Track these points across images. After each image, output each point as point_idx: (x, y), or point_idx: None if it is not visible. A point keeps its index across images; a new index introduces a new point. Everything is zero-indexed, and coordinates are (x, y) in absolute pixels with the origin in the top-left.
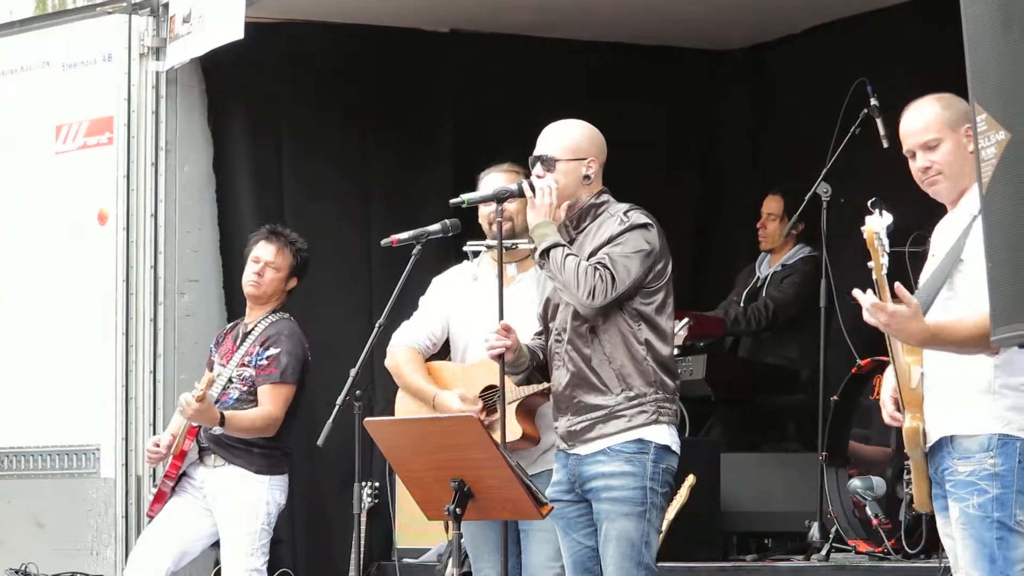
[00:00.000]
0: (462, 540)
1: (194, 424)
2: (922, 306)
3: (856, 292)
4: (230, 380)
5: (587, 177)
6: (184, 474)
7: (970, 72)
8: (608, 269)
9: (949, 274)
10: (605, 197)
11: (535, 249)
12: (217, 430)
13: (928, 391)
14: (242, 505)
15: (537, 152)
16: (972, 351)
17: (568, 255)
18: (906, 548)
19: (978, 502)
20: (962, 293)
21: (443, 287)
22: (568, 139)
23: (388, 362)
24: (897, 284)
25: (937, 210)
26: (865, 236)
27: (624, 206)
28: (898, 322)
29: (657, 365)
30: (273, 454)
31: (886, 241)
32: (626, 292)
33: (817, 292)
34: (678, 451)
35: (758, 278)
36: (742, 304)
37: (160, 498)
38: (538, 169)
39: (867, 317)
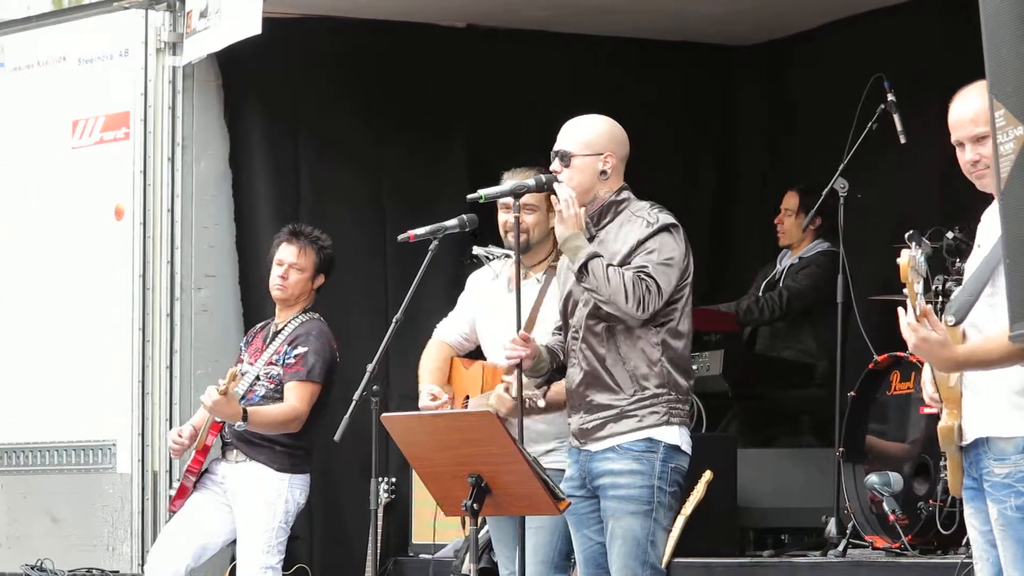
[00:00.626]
0: (482, 532)
1: (217, 419)
2: (963, 307)
3: (900, 310)
4: (257, 378)
5: (604, 172)
6: (206, 470)
7: (988, 67)
8: (653, 279)
9: (993, 270)
10: (626, 194)
11: (568, 260)
12: (240, 426)
13: (966, 389)
14: (261, 502)
15: (556, 147)
16: (1008, 365)
17: (609, 266)
18: (925, 543)
19: (1016, 504)
20: (1003, 291)
21: (473, 284)
22: (586, 134)
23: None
24: (927, 308)
25: (956, 206)
26: (901, 269)
27: (646, 205)
28: (929, 348)
29: (671, 366)
30: (296, 453)
31: (923, 269)
32: (664, 300)
33: (834, 285)
34: (689, 451)
35: (777, 271)
36: (760, 295)
37: (182, 493)
38: (556, 164)
39: (905, 334)
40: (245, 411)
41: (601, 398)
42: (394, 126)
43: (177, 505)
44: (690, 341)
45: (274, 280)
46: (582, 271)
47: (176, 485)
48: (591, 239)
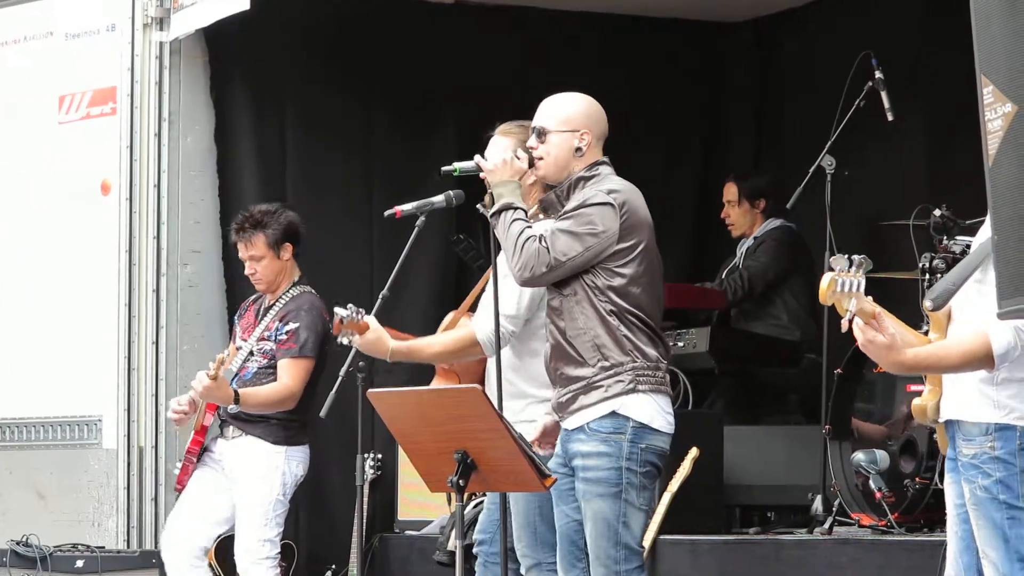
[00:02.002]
0: (468, 509)
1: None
2: (944, 294)
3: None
4: (251, 353)
5: (579, 150)
6: (206, 448)
7: (977, 44)
8: (546, 244)
9: (985, 256)
10: (599, 170)
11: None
12: (232, 408)
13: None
14: (258, 475)
15: (533, 122)
16: (969, 370)
17: (515, 220)
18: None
19: (983, 484)
20: (991, 281)
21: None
22: (562, 110)
23: None
24: (880, 311)
25: (943, 183)
26: (820, 293)
27: (613, 182)
28: (875, 350)
29: (633, 333)
30: (291, 425)
31: (851, 283)
32: (565, 270)
33: (792, 256)
34: (666, 425)
35: (736, 258)
36: (724, 277)
37: (186, 471)
38: (532, 140)
39: (856, 334)
40: (237, 393)
41: (570, 371)
42: (381, 103)
43: (183, 483)
44: (655, 311)
45: (252, 279)
46: (495, 217)
47: (179, 465)
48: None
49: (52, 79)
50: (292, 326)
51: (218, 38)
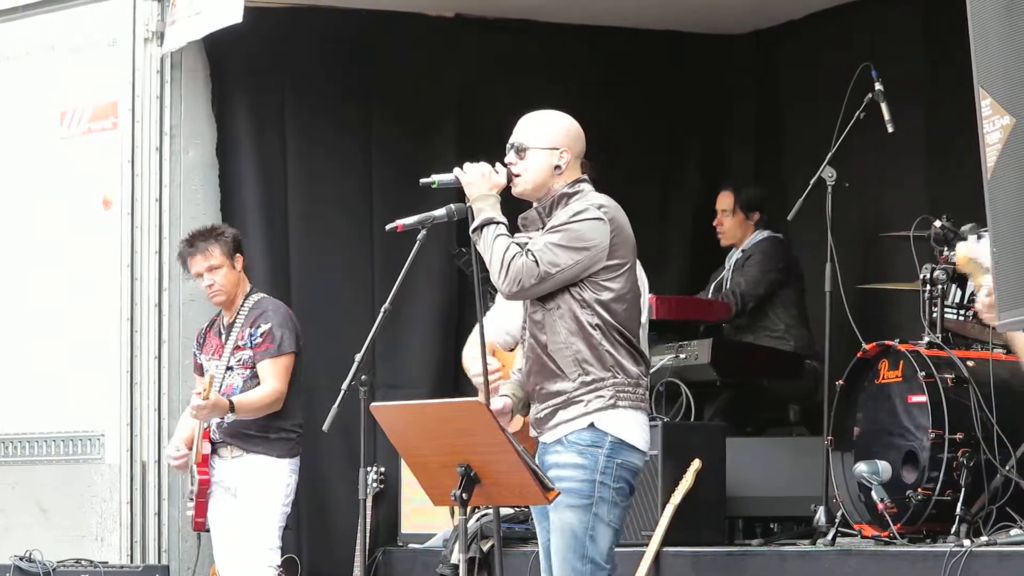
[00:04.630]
0: (471, 522)
1: (205, 425)
2: None
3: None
4: (229, 368)
5: (558, 167)
6: None
7: (975, 57)
8: (534, 257)
9: None
10: (580, 187)
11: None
12: (229, 417)
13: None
14: (265, 487)
15: (512, 139)
16: None
17: (499, 235)
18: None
19: None
20: None
21: None
22: (542, 128)
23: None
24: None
25: (944, 195)
26: (958, 261)
27: (599, 198)
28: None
29: (615, 349)
30: (290, 438)
31: (984, 261)
32: (554, 282)
33: (780, 265)
34: (642, 443)
35: (724, 270)
36: (710, 295)
37: (201, 510)
38: (511, 156)
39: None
40: (231, 403)
41: (550, 386)
42: (382, 116)
43: (200, 524)
44: (636, 330)
45: (208, 293)
46: (476, 232)
47: (191, 505)
48: (542, 228)
49: (53, 94)
50: (265, 327)
51: (219, 52)
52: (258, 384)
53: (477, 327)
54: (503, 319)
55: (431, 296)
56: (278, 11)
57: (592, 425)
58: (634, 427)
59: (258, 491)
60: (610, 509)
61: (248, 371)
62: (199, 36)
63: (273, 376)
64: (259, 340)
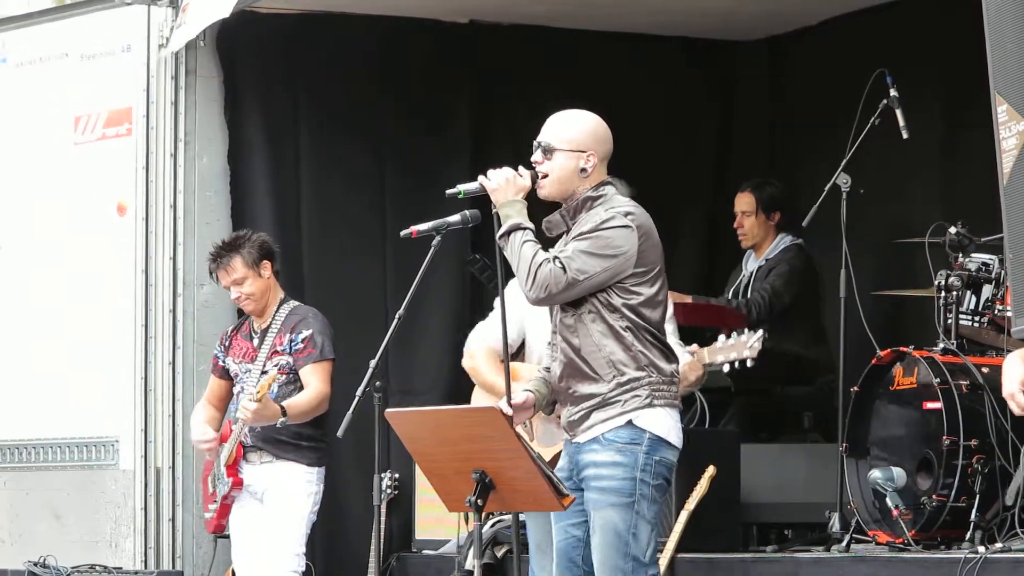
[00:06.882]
0: (486, 528)
1: (247, 428)
2: None
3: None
4: (264, 372)
5: (583, 170)
6: None
7: (991, 62)
8: (562, 264)
9: None
10: (605, 190)
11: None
12: (282, 421)
13: None
14: (295, 494)
15: (539, 138)
16: None
17: (526, 241)
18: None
19: None
20: None
21: (517, 291)
22: (569, 130)
23: (466, 362)
24: None
25: (959, 201)
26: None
27: (625, 202)
28: None
29: (648, 349)
30: (320, 447)
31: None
32: (582, 289)
33: (806, 276)
34: (677, 440)
35: (743, 275)
36: (749, 296)
37: (225, 512)
38: (537, 155)
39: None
40: (283, 407)
41: (583, 388)
42: (395, 122)
43: (221, 526)
44: (665, 327)
45: (240, 304)
46: (503, 238)
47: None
48: (568, 232)
49: (68, 100)
50: (306, 333)
51: (232, 59)
52: (294, 390)
53: (476, 328)
54: (489, 331)
55: (445, 303)
56: (291, 17)
57: (630, 423)
58: (670, 425)
59: (287, 497)
60: (650, 506)
61: (284, 377)
62: (193, 35)
63: (318, 379)
64: (300, 346)
